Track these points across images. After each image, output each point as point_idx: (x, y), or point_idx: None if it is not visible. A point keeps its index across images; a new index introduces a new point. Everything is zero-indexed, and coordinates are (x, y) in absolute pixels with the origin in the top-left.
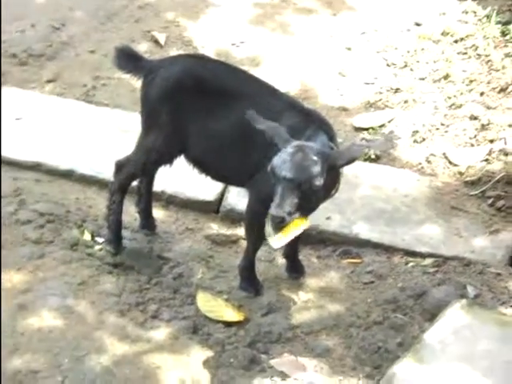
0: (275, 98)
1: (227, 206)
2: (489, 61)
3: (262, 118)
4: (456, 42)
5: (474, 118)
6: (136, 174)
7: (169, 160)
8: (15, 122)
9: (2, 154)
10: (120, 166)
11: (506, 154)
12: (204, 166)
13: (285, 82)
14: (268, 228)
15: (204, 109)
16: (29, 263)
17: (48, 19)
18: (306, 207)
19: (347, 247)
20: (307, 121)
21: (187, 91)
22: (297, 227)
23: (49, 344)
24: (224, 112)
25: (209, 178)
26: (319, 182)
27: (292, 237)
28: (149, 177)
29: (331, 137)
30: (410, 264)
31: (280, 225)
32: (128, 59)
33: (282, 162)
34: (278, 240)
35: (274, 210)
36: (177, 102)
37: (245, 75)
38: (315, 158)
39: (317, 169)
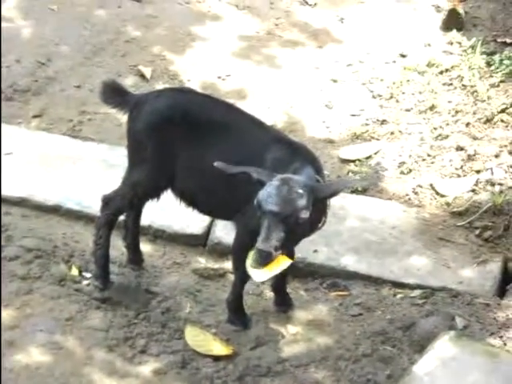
0: (262, 131)
1: (214, 239)
2: (474, 91)
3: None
4: (441, 72)
5: (460, 148)
6: (123, 209)
7: (156, 194)
8: (3, 158)
9: None
10: (107, 201)
11: (493, 185)
12: (191, 199)
13: (271, 115)
14: (251, 261)
15: (190, 142)
16: (16, 299)
17: (33, 54)
18: (291, 240)
19: (335, 279)
20: (294, 154)
21: (173, 125)
22: (280, 264)
23: (37, 381)
24: (210, 145)
25: (196, 211)
26: (305, 214)
27: (275, 273)
28: (136, 211)
29: (317, 170)
30: (399, 296)
31: (266, 259)
32: (114, 93)
33: (268, 195)
34: (261, 274)
35: (261, 245)
36: (162, 135)
37: (231, 108)
38: (301, 190)
39: (302, 202)
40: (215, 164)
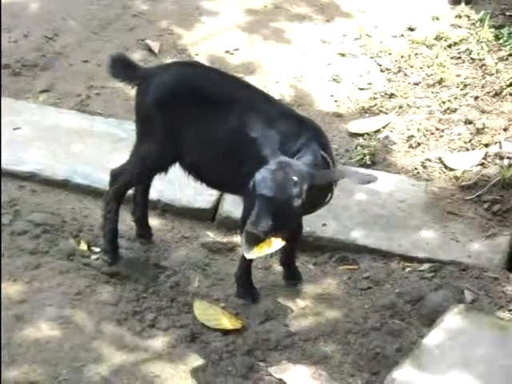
0: (269, 106)
1: (223, 213)
2: (483, 65)
3: (257, 125)
4: (450, 46)
5: (468, 122)
6: (131, 183)
7: (164, 168)
8: (11, 133)
9: None
10: (115, 175)
11: (502, 158)
12: (199, 173)
13: (279, 89)
14: (243, 240)
15: (198, 116)
16: (25, 274)
17: (41, 29)
18: (282, 225)
19: (344, 253)
20: (301, 129)
21: (181, 99)
22: (272, 246)
23: (46, 355)
24: (218, 119)
25: (204, 185)
26: (297, 203)
27: (266, 253)
28: (144, 185)
29: (324, 146)
30: (407, 269)
31: (254, 242)
32: (123, 67)
33: (263, 179)
34: (251, 253)
35: (249, 227)
36: (171, 109)
37: (239, 82)
38: (295, 178)
39: (296, 190)
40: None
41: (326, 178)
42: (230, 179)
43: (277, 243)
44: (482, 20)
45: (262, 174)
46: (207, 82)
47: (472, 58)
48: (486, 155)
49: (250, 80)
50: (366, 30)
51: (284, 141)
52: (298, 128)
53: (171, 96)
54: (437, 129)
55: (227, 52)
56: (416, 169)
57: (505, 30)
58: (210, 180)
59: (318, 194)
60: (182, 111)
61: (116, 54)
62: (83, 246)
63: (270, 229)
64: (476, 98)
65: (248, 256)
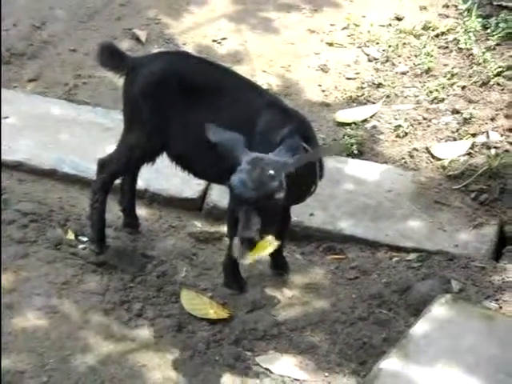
0: (256, 95)
1: (210, 203)
2: (470, 55)
3: (220, 129)
4: (437, 36)
5: (456, 112)
6: (119, 172)
7: (151, 157)
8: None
9: None
10: (102, 165)
11: (489, 148)
12: (186, 163)
13: (267, 78)
14: (235, 247)
15: (185, 105)
16: (13, 263)
17: (29, 18)
18: (271, 221)
19: (331, 243)
20: (284, 120)
21: (169, 88)
22: (265, 249)
23: (34, 344)
24: (205, 109)
25: (191, 175)
26: (279, 195)
27: (261, 255)
28: (131, 174)
29: (307, 138)
30: (395, 259)
31: (250, 245)
32: (111, 56)
33: (240, 181)
34: (247, 258)
35: (242, 233)
36: (158, 98)
37: (226, 72)
38: (272, 171)
39: (275, 183)
40: (205, 127)
41: (301, 162)
42: (216, 170)
43: (271, 245)
44: (469, 10)
45: (237, 177)
46: (194, 71)
47: (459, 48)
48: (473, 145)
49: (238, 69)
50: (353, 20)
51: (267, 131)
52: (282, 119)
53: (158, 86)
54: (424, 118)
55: (215, 41)
56: (403, 158)
57: (492, 20)
58: (197, 170)
59: (303, 185)
60: (170, 101)
61: (104, 43)
62: (70, 236)
63: (260, 227)
64: (463, 87)
65: (245, 262)
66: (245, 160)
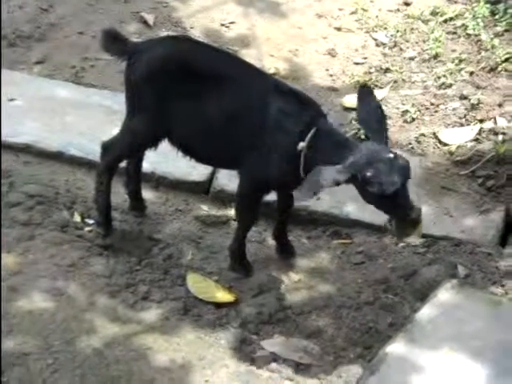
0: (261, 80)
1: (217, 186)
2: (478, 40)
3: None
4: (445, 21)
5: (463, 97)
6: (122, 156)
7: (153, 143)
8: (6, 104)
9: None
10: (106, 148)
11: (496, 134)
12: (189, 149)
13: (274, 63)
14: (399, 229)
15: (188, 91)
16: (18, 245)
17: (35, 1)
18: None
19: (337, 228)
20: (298, 104)
21: (171, 73)
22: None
23: (39, 326)
24: (209, 94)
25: (194, 160)
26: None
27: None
28: (136, 158)
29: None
30: (401, 244)
31: (414, 225)
32: (113, 41)
33: (384, 173)
34: (413, 237)
35: (411, 214)
36: (161, 84)
37: (230, 57)
38: (391, 153)
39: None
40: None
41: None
42: (220, 155)
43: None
44: None
45: (377, 171)
46: (197, 56)
47: (468, 34)
48: (480, 131)
49: (245, 53)
50: (361, 5)
51: (284, 115)
52: (296, 103)
53: (160, 71)
54: (432, 104)
55: (222, 25)
56: (410, 144)
57: (501, 6)
58: (202, 156)
59: None
60: (172, 86)
61: (107, 28)
62: (77, 218)
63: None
64: (471, 73)
65: (409, 240)
66: (362, 151)
